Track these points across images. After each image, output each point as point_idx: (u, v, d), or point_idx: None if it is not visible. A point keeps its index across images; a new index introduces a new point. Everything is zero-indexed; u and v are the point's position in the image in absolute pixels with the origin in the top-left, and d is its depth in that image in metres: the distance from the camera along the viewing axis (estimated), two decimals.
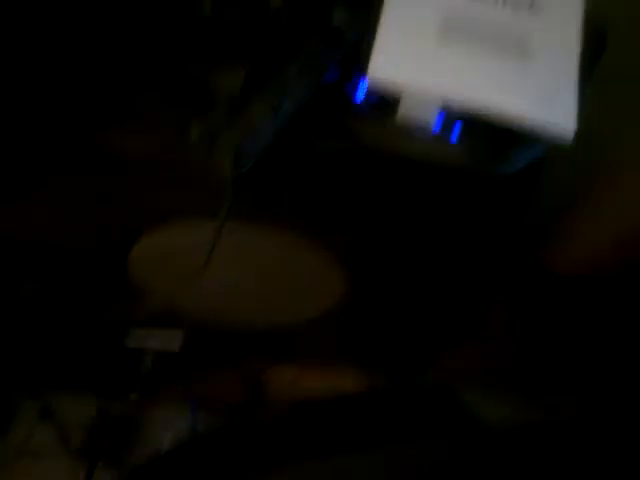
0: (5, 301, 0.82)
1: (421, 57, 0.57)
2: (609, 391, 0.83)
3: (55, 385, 0.95)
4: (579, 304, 0.99)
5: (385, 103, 0.58)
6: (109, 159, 0.62)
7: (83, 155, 0.63)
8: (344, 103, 0.59)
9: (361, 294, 0.79)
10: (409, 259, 0.74)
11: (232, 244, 0.62)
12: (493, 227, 0.69)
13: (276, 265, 0.76)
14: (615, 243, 0.98)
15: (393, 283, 0.78)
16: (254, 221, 0.68)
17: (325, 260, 0.73)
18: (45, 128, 0.60)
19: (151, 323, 0.89)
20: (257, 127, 0.54)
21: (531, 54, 0.58)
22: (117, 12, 0.57)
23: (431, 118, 0.57)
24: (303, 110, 0.56)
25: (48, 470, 0.94)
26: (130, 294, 0.77)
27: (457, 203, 0.65)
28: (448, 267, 0.75)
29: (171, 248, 0.73)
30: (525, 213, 0.67)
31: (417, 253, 0.73)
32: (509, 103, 0.56)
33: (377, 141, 0.59)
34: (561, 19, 0.60)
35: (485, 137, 0.58)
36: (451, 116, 0.58)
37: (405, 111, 0.57)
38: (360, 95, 0.58)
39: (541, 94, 0.56)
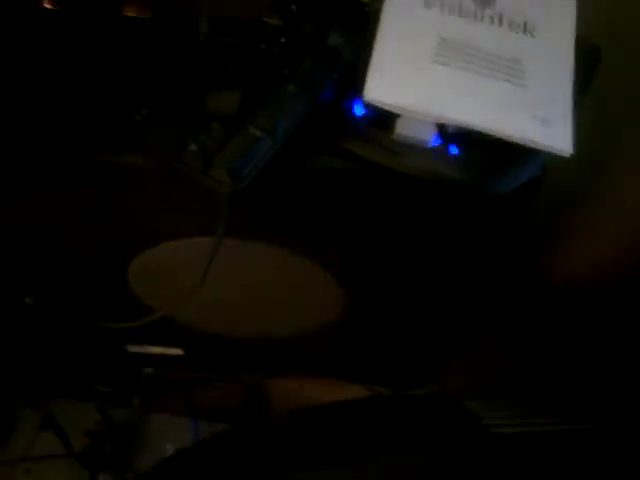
0: (6, 310, 0.83)
1: (417, 77, 0.57)
2: (611, 401, 0.83)
3: (56, 392, 0.96)
4: (578, 316, 0.99)
5: (381, 122, 0.58)
6: (106, 176, 0.62)
7: (81, 172, 0.63)
8: (340, 122, 0.59)
9: (359, 309, 0.79)
10: (406, 274, 0.74)
11: (229, 260, 0.62)
12: (490, 243, 0.69)
13: (273, 280, 0.76)
14: (615, 251, 0.98)
15: (391, 298, 0.78)
16: (251, 238, 0.68)
17: (322, 276, 0.73)
18: (41, 144, 0.60)
19: (150, 335, 0.90)
20: (253, 146, 0.54)
21: (526, 73, 0.58)
22: (116, 33, 0.58)
23: (428, 137, 0.57)
24: (300, 129, 0.56)
25: (50, 477, 0.94)
26: (129, 306, 0.77)
27: (454, 220, 0.65)
28: (446, 282, 0.75)
29: (169, 263, 0.73)
30: (521, 229, 0.67)
31: (414, 268, 0.73)
32: (506, 122, 0.56)
33: (373, 159, 0.59)
34: (555, 37, 0.60)
35: (481, 155, 0.58)
36: (447, 135, 0.58)
37: (402, 130, 0.57)
38: (357, 114, 0.58)
39: (537, 112, 0.57)
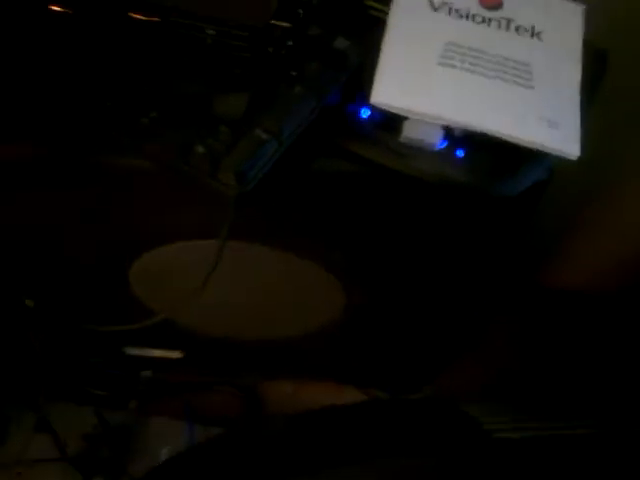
0: (5, 312, 0.82)
1: (424, 80, 0.57)
2: (612, 406, 0.83)
3: (52, 395, 0.95)
4: (581, 319, 1.00)
5: (388, 125, 0.58)
6: (112, 177, 0.62)
7: (86, 173, 0.63)
8: (347, 125, 0.59)
9: (362, 312, 0.79)
10: (412, 277, 0.74)
11: (232, 263, 0.61)
12: (495, 246, 0.69)
13: (276, 283, 0.76)
14: (621, 254, 0.99)
15: (395, 301, 0.78)
16: (255, 240, 0.68)
17: (326, 279, 0.73)
18: (48, 145, 0.60)
19: (150, 338, 0.90)
20: (260, 149, 0.54)
21: (534, 75, 0.58)
22: (124, 36, 0.57)
23: (434, 140, 0.57)
24: (306, 131, 0.56)
25: None
26: (130, 309, 0.77)
27: (460, 222, 0.65)
28: (451, 284, 0.75)
29: (172, 266, 0.73)
30: (526, 233, 0.67)
31: (420, 271, 0.73)
32: (513, 124, 0.56)
33: (380, 161, 0.59)
34: (562, 42, 0.60)
35: (488, 158, 0.58)
36: (454, 137, 0.58)
37: (408, 133, 0.57)
38: (363, 117, 0.58)
39: (544, 114, 0.57)
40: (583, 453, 0.71)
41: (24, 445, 0.94)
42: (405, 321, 0.82)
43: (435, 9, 0.60)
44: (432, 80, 0.57)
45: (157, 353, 0.94)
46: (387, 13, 0.60)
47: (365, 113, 0.58)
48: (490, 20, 0.60)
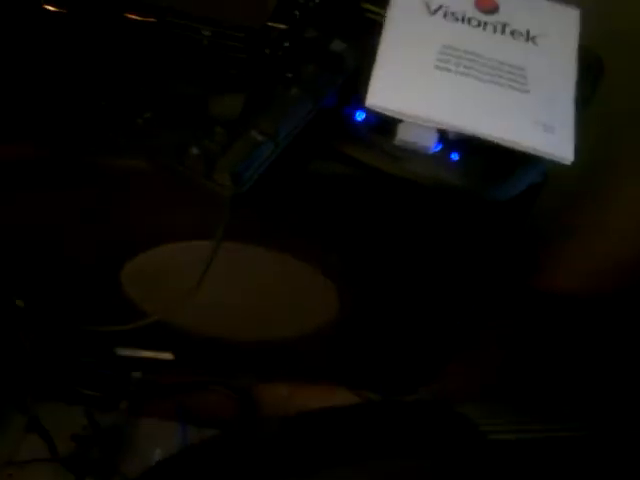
0: None
1: (419, 83, 0.58)
2: (605, 407, 0.84)
3: (43, 396, 0.95)
4: (576, 320, 1.00)
5: (383, 128, 0.58)
6: (107, 177, 0.62)
7: (81, 173, 0.62)
8: (342, 127, 0.59)
9: (357, 314, 0.79)
10: (406, 280, 0.74)
11: (227, 264, 0.61)
12: (489, 249, 0.69)
13: (271, 285, 0.76)
14: (615, 258, 0.99)
15: (390, 303, 0.78)
16: (250, 242, 0.68)
17: (321, 281, 0.73)
18: (43, 144, 0.60)
19: (143, 339, 0.90)
20: (255, 150, 0.54)
21: (529, 79, 0.59)
22: (119, 36, 0.57)
23: (429, 143, 0.57)
24: (302, 134, 0.56)
25: None
26: (123, 310, 0.77)
27: (454, 225, 0.65)
28: (445, 288, 0.75)
29: (166, 266, 0.73)
30: (519, 237, 0.67)
31: (414, 274, 0.73)
32: (507, 128, 0.56)
33: (375, 164, 0.59)
34: (558, 46, 0.61)
35: (482, 161, 0.58)
36: (449, 141, 0.58)
37: (403, 136, 0.57)
38: (358, 119, 0.59)
39: (539, 118, 0.57)
40: (578, 454, 0.72)
41: (15, 446, 0.94)
42: (399, 323, 0.82)
43: (431, 12, 0.61)
44: (428, 83, 0.58)
45: (148, 354, 0.94)
46: (383, 16, 0.60)
47: (360, 116, 0.59)
48: (486, 24, 0.60)
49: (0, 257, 0.75)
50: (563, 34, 0.61)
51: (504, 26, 0.60)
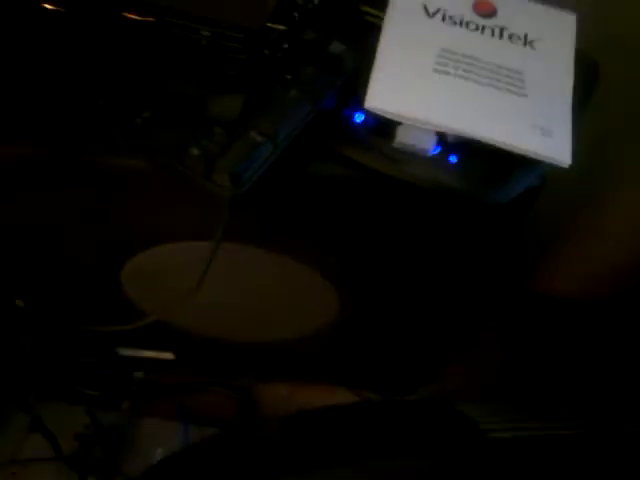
0: None
1: (418, 86, 0.58)
2: (603, 406, 0.83)
3: (46, 396, 0.95)
4: (574, 322, 1.00)
5: (382, 130, 0.58)
6: (106, 177, 0.62)
7: (79, 173, 0.63)
8: (341, 129, 0.59)
9: (356, 315, 0.80)
10: (405, 281, 0.74)
11: (226, 264, 0.62)
12: (488, 251, 0.69)
13: (270, 286, 0.76)
14: (613, 260, 0.99)
15: (388, 305, 0.79)
16: (249, 243, 0.69)
17: (320, 282, 0.73)
18: (41, 144, 0.60)
19: (143, 339, 0.90)
20: (254, 151, 0.54)
21: (526, 83, 0.59)
22: (118, 35, 0.58)
23: (428, 145, 0.57)
24: (301, 135, 0.57)
25: (38, 479, 0.94)
26: (122, 310, 0.77)
27: (453, 228, 0.66)
28: (443, 290, 0.76)
29: (165, 267, 0.73)
30: (518, 239, 0.68)
31: (413, 276, 0.73)
32: (505, 131, 0.57)
33: (373, 166, 0.59)
34: (555, 50, 0.61)
35: (481, 164, 0.59)
36: (447, 143, 0.58)
37: (402, 139, 0.57)
38: (357, 122, 0.59)
39: (537, 122, 0.57)
40: (577, 452, 0.71)
41: (18, 445, 0.95)
42: (399, 324, 0.82)
43: (430, 16, 0.61)
44: (426, 86, 0.58)
45: (149, 354, 0.94)
46: (382, 19, 0.61)
47: (359, 118, 0.59)
48: (484, 28, 0.61)
49: (0, 257, 0.75)
50: (560, 38, 0.61)
51: (502, 30, 0.61)
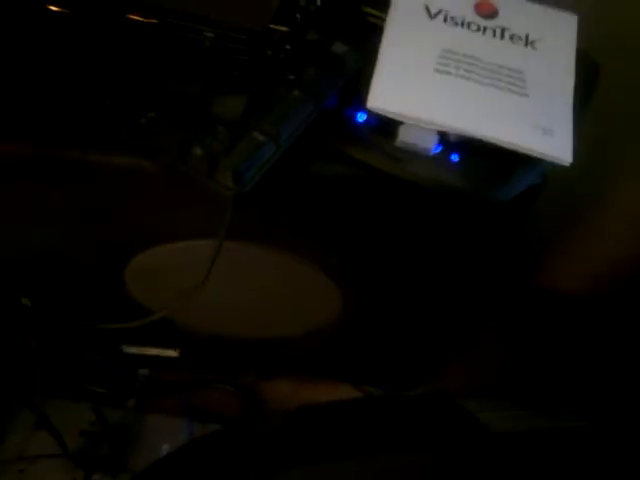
0: (2, 311, 0.83)
1: (420, 86, 0.58)
2: (609, 400, 0.84)
3: (52, 393, 0.96)
4: (577, 318, 1.00)
5: (384, 129, 0.59)
6: (110, 176, 0.63)
7: (84, 172, 0.63)
8: (343, 129, 0.60)
9: (358, 313, 0.80)
10: (407, 279, 0.75)
11: (229, 263, 0.62)
12: (490, 249, 0.70)
13: (273, 284, 0.76)
14: (614, 257, 0.99)
15: (391, 303, 0.79)
16: (252, 241, 0.69)
17: (323, 280, 0.73)
18: (46, 143, 0.61)
19: (146, 336, 0.91)
20: (257, 151, 0.55)
21: (527, 83, 0.59)
22: (123, 37, 0.58)
23: (430, 144, 0.58)
24: (303, 135, 0.57)
25: (44, 477, 0.94)
26: (126, 307, 0.77)
27: (455, 226, 0.66)
28: (445, 287, 0.76)
29: (168, 265, 0.74)
30: (519, 237, 0.68)
31: (415, 273, 0.73)
32: (507, 130, 0.57)
33: (376, 165, 0.59)
34: (556, 50, 0.61)
35: (482, 163, 0.59)
36: (449, 142, 0.58)
37: (404, 138, 0.58)
38: (359, 121, 0.59)
39: (538, 121, 0.58)
40: (580, 446, 0.72)
41: (24, 442, 0.95)
42: (401, 321, 0.83)
43: (431, 16, 0.61)
44: (428, 86, 0.58)
45: (154, 352, 0.95)
46: (384, 20, 0.61)
47: (361, 117, 0.59)
48: (485, 28, 0.61)
49: (8, 256, 0.76)
50: (561, 38, 0.61)
51: (503, 30, 0.61)
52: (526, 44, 0.61)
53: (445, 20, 0.61)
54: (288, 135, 0.56)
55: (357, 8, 0.63)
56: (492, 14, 0.62)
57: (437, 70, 0.59)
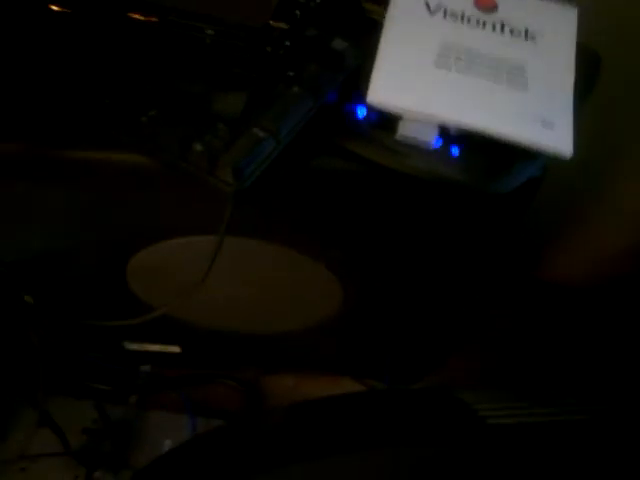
0: (4, 308, 0.83)
1: (420, 81, 0.58)
2: (610, 393, 0.84)
3: (54, 390, 0.96)
4: (577, 311, 1.00)
5: (384, 124, 0.59)
6: (111, 174, 0.63)
7: (86, 169, 0.63)
8: (343, 123, 0.60)
9: (359, 306, 0.80)
10: (408, 272, 0.75)
11: (230, 258, 0.62)
12: (490, 242, 0.70)
13: (274, 278, 0.76)
14: (614, 249, 1.00)
15: (391, 296, 0.79)
16: (253, 236, 0.69)
17: (324, 274, 0.74)
18: (47, 141, 0.61)
19: (148, 333, 0.91)
20: (257, 147, 0.55)
21: (528, 76, 0.59)
22: (124, 35, 0.58)
23: (429, 138, 0.58)
24: (304, 130, 0.57)
25: (47, 475, 0.94)
26: (127, 304, 0.78)
27: (455, 219, 0.66)
28: (446, 280, 0.76)
29: (169, 262, 0.74)
30: (520, 229, 0.68)
31: (416, 266, 0.74)
32: (507, 124, 0.57)
33: (376, 159, 0.59)
34: (556, 44, 0.61)
35: (482, 156, 0.59)
36: (449, 136, 0.58)
37: (404, 132, 0.58)
38: (359, 116, 0.59)
39: (538, 114, 0.58)
40: (579, 438, 0.72)
41: (27, 440, 0.95)
42: (401, 314, 0.83)
43: (431, 11, 0.61)
44: (428, 80, 0.58)
45: (156, 348, 0.95)
46: (384, 15, 0.61)
47: (361, 112, 0.59)
48: (485, 22, 0.61)
49: (8, 255, 0.76)
50: (561, 32, 0.61)
51: (503, 24, 0.61)
52: (526, 38, 0.61)
53: (445, 15, 0.61)
54: (288, 131, 0.56)
55: (357, 4, 0.63)
56: (492, 8, 0.62)
57: (437, 65, 0.59)
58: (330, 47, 0.59)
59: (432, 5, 0.61)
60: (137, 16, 0.58)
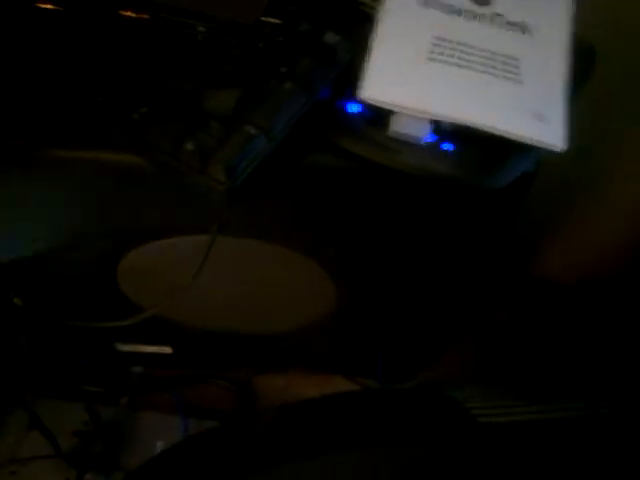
0: None
1: (413, 75, 0.58)
2: (605, 390, 0.84)
3: (44, 393, 0.95)
4: (571, 306, 1.01)
5: (375, 119, 0.58)
6: (102, 172, 0.62)
7: (76, 168, 0.62)
8: (335, 119, 0.59)
9: (352, 304, 0.80)
10: (401, 269, 0.74)
11: (223, 256, 0.62)
12: (483, 237, 0.70)
13: (266, 276, 0.76)
14: (609, 244, 1.00)
15: (384, 293, 0.79)
16: (245, 235, 0.69)
17: (316, 272, 0.73)
18: (38, 140, 0.60)
19: (139, 334, 0.90)
20: (248, 144, 0.54)
21: (522, 70, 0.59)
22: (115, 32, 0.58)
23: (422, 134, 0.57)
24: (296, 127, 0.56)
25: (37, 478, 0.93)
26: (118, 305, 0.77)
27: (448, 215, 0.66)
28: (439, 276, 0.76)
29: (160, 262, 0.73)
30: (514, 225, 0.68)
31: (409, 263, 0.73)
32: (500, 118, 0.57)
33: (368, 156, 0.59)
34: (551, 36, 0.61)
35: (475, 151, 0.59)
36: (442, 131, 0.58)
37: (396, 127, 0.57)
38: (351, 111, 0.59)
39: (532, 108, 0.57)
40: (573, 436, 0.72)
41: (17, 444, 0.94)
42: (394, 312, 0.83)
43: (425, 4, 0.61)
44: (421, 75, 0.58)
45: (147, 349, 0.94)
46: (377, 9, 0.61)
47: (354, 108, 0.59)
48: (479, 15, 0.60)
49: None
50: (556, 24, 0.61)
51: (498, 17, 0.61)
52: (521, 30, 0.61)
53: (439, 8, 0.61)
54: (280, 128, 0.56)
55: None
56: (486, 1, 0.61)
57: (430, 58, 0.58)
58: (322, 41, 0.59)
59: None
60: (129, 13, 0.57)
